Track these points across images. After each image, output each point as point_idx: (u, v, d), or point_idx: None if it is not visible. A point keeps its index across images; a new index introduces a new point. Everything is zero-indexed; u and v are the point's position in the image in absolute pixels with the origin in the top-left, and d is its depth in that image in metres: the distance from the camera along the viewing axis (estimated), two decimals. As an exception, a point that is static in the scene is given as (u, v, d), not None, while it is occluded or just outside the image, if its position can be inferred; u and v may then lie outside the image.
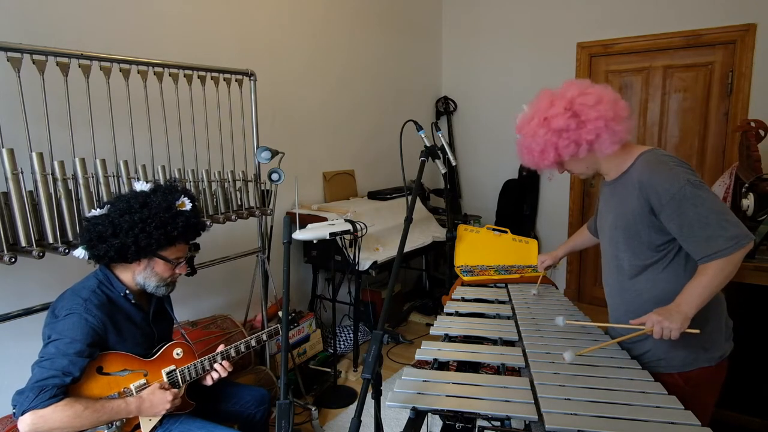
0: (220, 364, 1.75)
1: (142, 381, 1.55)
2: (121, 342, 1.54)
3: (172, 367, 1.64)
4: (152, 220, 1.52)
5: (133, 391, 1.52)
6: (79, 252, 1.56)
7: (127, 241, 1.49)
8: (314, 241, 3.09)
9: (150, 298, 1.71)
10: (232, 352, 1.81)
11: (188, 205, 1.64)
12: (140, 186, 1.63)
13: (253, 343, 1.90)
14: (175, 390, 1.58)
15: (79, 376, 1.38)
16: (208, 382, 1.76)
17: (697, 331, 1.30)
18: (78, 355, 1.39)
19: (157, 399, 1.52)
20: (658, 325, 1.31)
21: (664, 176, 1.33)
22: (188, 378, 1.67)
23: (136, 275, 1.60)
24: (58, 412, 1.32)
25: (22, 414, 1.30)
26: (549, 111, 1.39)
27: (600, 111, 1.35)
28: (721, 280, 1.30)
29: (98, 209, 1.56)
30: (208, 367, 1.73)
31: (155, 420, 1.56)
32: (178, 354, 1.68)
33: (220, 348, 1.79)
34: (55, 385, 1.33)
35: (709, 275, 1.29)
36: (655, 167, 1.36)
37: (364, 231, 2.81)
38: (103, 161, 1.82)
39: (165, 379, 1.61)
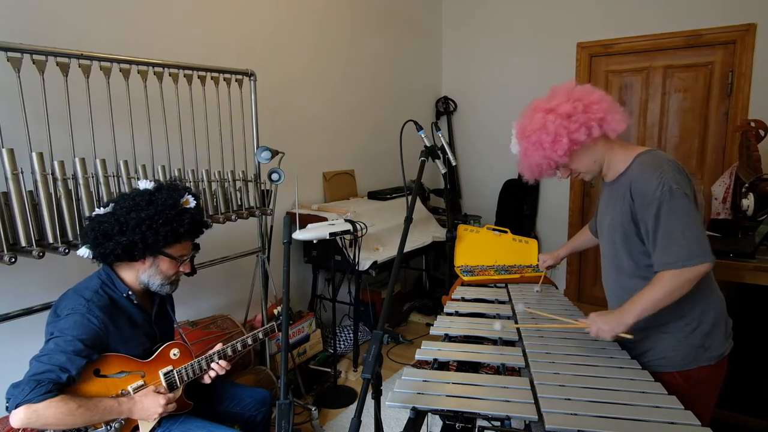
0: (217, 363, 1.75)
1: (140, 382, 1.55)
2: (122, 343, 1.54)
3: (170, 367, 1.64)
4: (159, 218, 1.52)
5: (131, 393, 1.52)
6: (83, 251, 1.55)
7: (134, 238, 1.49)
8: (314, 241, 3.09)
9: (152, 298, 1.71)
10: (229, 351, 1.81)
11: (192, 203, 1.64)
12: (144, 184, 1.63)
13: (249, 341, 1.90)
14: (170, 395, 1.56)
15: (75, 375, 1.38)
16: (206, 380, 1.76)
17: (631, 336, 1.35)
18: (76, 353, 1.38)
19: (150, 402, 1.50)
20: (594, 324, 1.37)
21: (649, 177, 1.34)
22: (186, 378, 1.67)
23: (141, 274, 1.60)
24: (52, 408, 1.31)
25: (16, 407, 1.30)
26: (551, 103, 1.41)
27: (600, 94, 1.40)
28: (667, 293, 1.30)
29: (102, 208, 1.55)
30: (205, 367, 1.73)
31: (153, 421, 1.56)
32: (175, 354, 1.67)
33: (218, 347, 1.79)
34: (51, 380, 1.33)
35: (655, 287, 1.32)
36: (644, 168, 1.37)
37: (364, 231, 2.81)
38: (103, 161, 1.82)
39: (162, 380, 1.60)
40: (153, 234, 1.51)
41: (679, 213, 1.29)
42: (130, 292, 1.59)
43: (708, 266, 1.28)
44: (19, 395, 1.30)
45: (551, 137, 1.40)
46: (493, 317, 1.86)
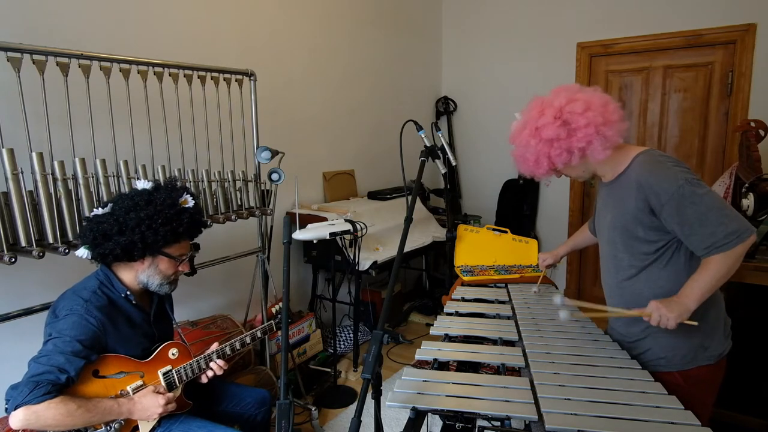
0: (215, 362, 1.75)
1: (139, 382, 1.55)
2: (120, 343, 1.54)
3: (168, 367, 1.64)
4: (158, 217, 1.52)
5: (130, 394, 1.51)
6: (82, 252, 1.55)
7: (134, 238, 1.49)
8: (314, 241, 3.09)
9: (151, 298, 1.71)
10: (227, 350, 1.81)
11: (191, 202, 1.65)
12: (142, 184, 1.63)
13: (247, 340, 1.90)
14: (169, 394, 1.57)
15: (74, 375, 1.38)
16: (203, 380, 1.76)
17: (695, 323, 1.32)
18: (75, 354, 1.38)
19: (149, 402, 1.50)
20: (656, 312, 1.33)
21: (662, 176, 1.34)
22: (185, 378, 1.67)
23: (140, 274, 1.60)
24: (51, 409, 1.31)
25: (15, 409, 1.30)
26: (539, 120, 1.40)
27: (589, 118, 1.35)
28: (724, 273, 1.30)
29: (100, 208, 1.55)
30: (204, 366, 1.73)
31: (153, 421, 1.56)
32: (173, 354, 1.67)
33: (215, 346, 1.78)
34: (50, 381, 1.33)
35: (711, 269, 1.31)
36: (652, 168, 1.37)
37: (364, 231, 2.81)
38: (103, 161, 1.82)
39: (161, 380, 1.60)
40: (152, 234, 1.51)
41: (706, 199, 1.30)
42: (128, 292, 1.59)
43: (755, 236, 1.30)
44: (18, 397, 1.30)
45: (533, 158, 1.43)
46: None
